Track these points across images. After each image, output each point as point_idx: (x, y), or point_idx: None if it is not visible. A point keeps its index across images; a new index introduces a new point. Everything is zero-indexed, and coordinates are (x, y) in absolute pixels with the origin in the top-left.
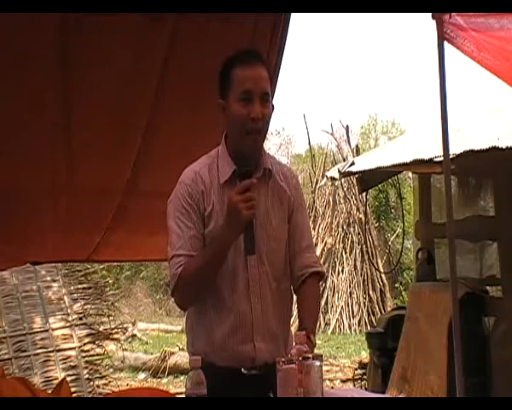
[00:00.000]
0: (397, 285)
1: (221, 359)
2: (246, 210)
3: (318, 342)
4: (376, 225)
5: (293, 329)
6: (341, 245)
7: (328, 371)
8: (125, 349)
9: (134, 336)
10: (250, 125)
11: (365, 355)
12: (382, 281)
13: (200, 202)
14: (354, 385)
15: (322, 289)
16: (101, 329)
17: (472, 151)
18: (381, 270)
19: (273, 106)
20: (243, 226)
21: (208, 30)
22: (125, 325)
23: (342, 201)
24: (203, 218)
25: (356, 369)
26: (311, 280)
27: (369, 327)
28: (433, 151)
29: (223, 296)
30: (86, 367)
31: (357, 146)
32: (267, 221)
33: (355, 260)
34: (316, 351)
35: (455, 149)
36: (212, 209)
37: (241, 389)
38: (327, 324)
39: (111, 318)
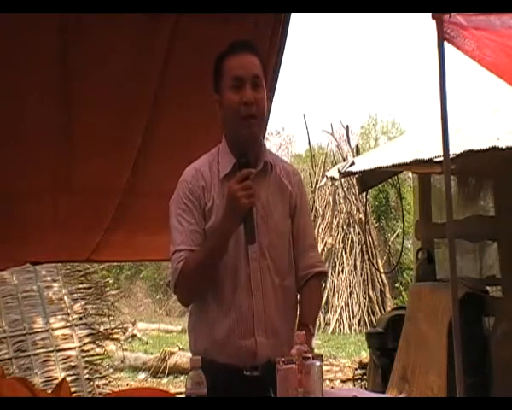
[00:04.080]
0: (397, 285)
1: (223, 355)
2: (245, 198)
3: (318, 342)
4: (376, 225)
5: None
6: (341, 245)
7: (328, 371)
8: (125, 349)
9: (134, 336)
10: (243, 110)
11: (365, 355)
12: (382, 281)
13: (201, 197)
14: (354, 385)
15: (322, 288)
16: (101, 329)
17: (472, 151)
18: (381, 270)
19: (270, 98)
20: (243, 215)
21: (208, 30)
22: (125, 325)
23: (342, 201)
24: (204, 213)
25: (356, 369)
26: (314, 280)
27: (369, 327)
28: (433, 151)
29: (224, 291)
30: (86, 367)
31: (357, 146)
32: (268, 215)
33: (355, 260)
34: (316, 351)
35: (455, 149)
36: (212, 204)
37: (242, 391)
38: (327, 324)
39: (111, 318)
